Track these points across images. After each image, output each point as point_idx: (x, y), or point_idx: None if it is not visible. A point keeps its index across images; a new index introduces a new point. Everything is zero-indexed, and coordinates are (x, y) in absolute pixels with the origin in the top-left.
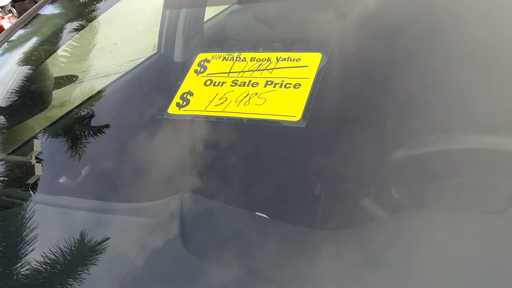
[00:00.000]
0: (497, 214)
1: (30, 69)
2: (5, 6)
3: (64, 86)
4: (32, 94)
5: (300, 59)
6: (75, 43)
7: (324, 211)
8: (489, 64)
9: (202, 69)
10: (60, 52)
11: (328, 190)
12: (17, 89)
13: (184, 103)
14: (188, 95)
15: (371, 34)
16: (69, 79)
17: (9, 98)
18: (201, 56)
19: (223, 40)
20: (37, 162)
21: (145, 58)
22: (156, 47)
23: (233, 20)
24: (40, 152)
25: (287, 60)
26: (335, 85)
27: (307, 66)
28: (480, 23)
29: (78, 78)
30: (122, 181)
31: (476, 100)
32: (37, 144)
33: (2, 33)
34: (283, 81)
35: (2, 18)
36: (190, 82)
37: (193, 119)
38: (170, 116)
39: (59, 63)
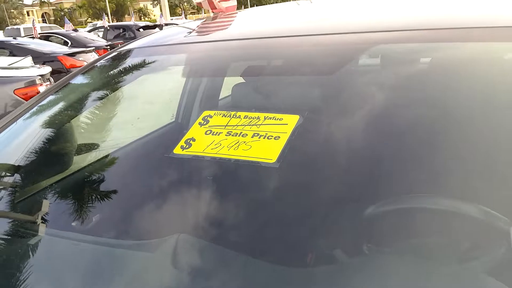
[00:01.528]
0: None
1: (53, 133)
2: (44, 74)
3: (84, 153)
4: (52, 156)
5: (282, 119)
6: (99, 114)
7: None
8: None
9: (205, 122)
10: (84, 120)
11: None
12: (38, 150)
13: (187, 146)
14: (191, 141)
15: (336, 105)
16: (91, 147)
17: (28, 157)
18: (205, 113)
19: (228, 105)
20: (42, 222)
21: (163, 125)
22: (174, 117)
23: (237, 90)
24: (46, 213)
25: (272, 119)
26: (306, 139)
27: (287, 124)
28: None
29: (99, 146)
30: (124, 218)
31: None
32: (46, 205)
33: (34, 97)
34: (266, 133)
35: (41, 85)
36: (194, 131)
37: (192, 158)
38: (174, 155)
39: (82, 130)
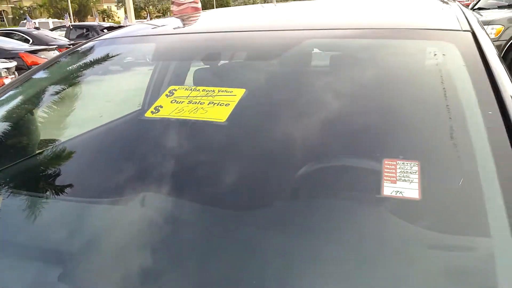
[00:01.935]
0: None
1: (12, 124)
2: (10, 68)
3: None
4: (13, 144)
5: (232, 91)
6: (61, 109)
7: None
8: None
9: (170, 94)
10: (45, 114)
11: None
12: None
13: (156, 111)
14: (159, 107)
15: (273, 83)
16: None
17: None
18: (171, 87)
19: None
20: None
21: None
22: (141, 104)
23: (197, 73)
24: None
25: (224, 92)
26: (248, 106)
27: (235, 95)
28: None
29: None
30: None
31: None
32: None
33: None
34: (219, 102)
35: (6, 77)
36: (162, 101)
37: (159, 119)
38: (146, 118)
39: (43, 123)
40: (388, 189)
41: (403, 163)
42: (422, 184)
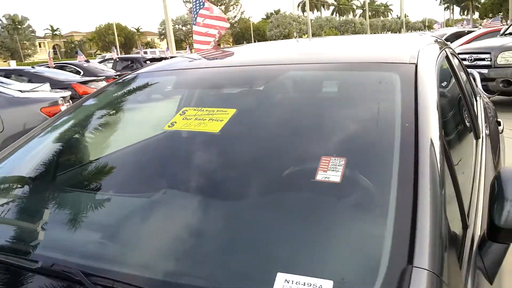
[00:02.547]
0: None
1: (61, 146)
2: (65, 97)
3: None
4: (69, 155)
5: (226, 111)
6: (105, 130)
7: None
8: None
9: (182, 114)
10: (92, 134)
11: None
12: (54, 153)
13: (171, 126)
14: (174, 123)
15: (257, 105)
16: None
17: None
18: (184, 109)
19: None
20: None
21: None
22: None
23: (205, 98)
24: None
25: (221, 111)
26: (236, 121)
27: (228, 113)
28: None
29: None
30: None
31: None
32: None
33: (55, 115)
34: (216, 118)
35: (62, 105)
36: (176, 118)
37: (173, 131)
38: (164, 130)
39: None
40: (320, 176)
41: (334, 158)
42: (344, 172)
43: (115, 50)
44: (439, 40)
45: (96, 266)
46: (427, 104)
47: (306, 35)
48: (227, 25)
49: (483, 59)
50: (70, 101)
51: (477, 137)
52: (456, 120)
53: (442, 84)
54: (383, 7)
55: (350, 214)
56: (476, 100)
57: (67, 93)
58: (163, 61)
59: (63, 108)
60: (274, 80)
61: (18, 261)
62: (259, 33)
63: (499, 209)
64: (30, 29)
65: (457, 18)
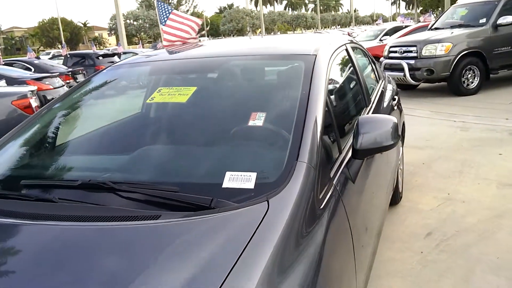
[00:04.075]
0: None
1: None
2: (33, 90)
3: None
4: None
5: (189, 88)
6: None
7: None
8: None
9: (159, 91)
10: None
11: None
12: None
13: (151, 99)
14: (153, 98)
15: (209, 85)
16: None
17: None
18: (159, 88)
19: None
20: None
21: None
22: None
23: (174, 81)
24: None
25: (186, 89)
26: (196, 94)
27: (190, 90)
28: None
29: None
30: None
31: None
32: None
33: (43, 107)
34: (183, 93)
35: (31, 98)
36: (155, 95)
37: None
38: (147, 103)
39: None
40: (251, 122)
41: (259, 113)
42: (264, 120)
43: (65, 46)
44: (345, 38)
45: (116, 180)
46: (319, 81)
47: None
48: (199, 21)
49: (411, 51)
50: (36, 95)
51: (366, 105)
52: (345, 91)
53: (340, 68)
54: (333, 2)
55: (267, 139)
56: (378, 82)
57: (34, 87)
58: (136, 56)
59: (32, 101)
60: (221, 66)
61: (67, 182)
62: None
63: (356, 139)
64: None
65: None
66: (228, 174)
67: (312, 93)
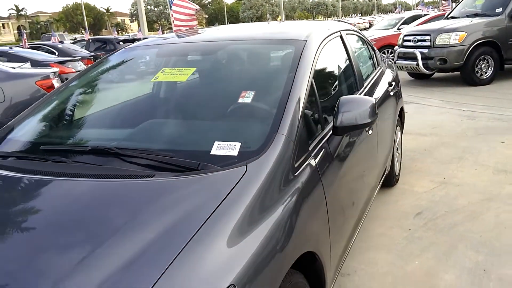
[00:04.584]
0: None
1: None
2: (55, 72)
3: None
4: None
5: (189, 69)
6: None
7: None
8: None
9: (163, 71)
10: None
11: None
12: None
13: (155, 78)
14: (157, 77)
15: (208, 66)
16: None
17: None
18: (163, 68)
19: None
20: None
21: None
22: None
23: (177, 62)
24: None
25: (186, 70)
26: (195, 74)
27: (190, 70)
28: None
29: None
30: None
31: None
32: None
33: (60, 86)
34: (183, 73)
35: (53, 79)
36: (159, 74)
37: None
38: (152, 82)
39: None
40: (240, 100)
41: (249, 91)
42: (252, 98)
43: (87, 32)
44: (341, 26)
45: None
46: (307, 64)
47: (279, 17)
48: (195, 7)
49: (425, 40)
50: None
51: (357, 89)
52: (335, 75)
53: (331, 53)
54: None
55: (253, 114)
56: (375, 68)
57: (56, 69)
58: (145, 39)
59: (54, 81)
60: (219, 50)
61: (79, 148)
62: (233, 14)
63: (336, 117)
64: None
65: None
66: (216, 143)
67: (298, 75)
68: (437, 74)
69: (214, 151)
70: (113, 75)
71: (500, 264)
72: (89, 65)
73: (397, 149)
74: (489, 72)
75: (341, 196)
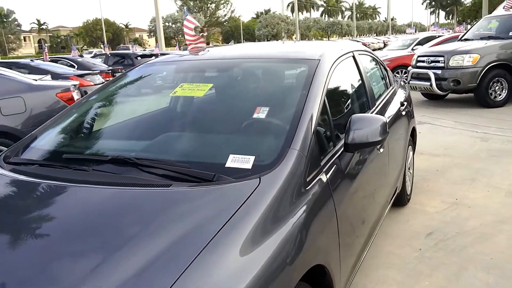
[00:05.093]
0: None
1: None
2: (76, 85)
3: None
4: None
5: (206, 85)
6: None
7: None
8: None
9: (181, 86)
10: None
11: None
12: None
13: (174, 93)
14: (175, 92)
15: (223, 83)
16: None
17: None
18: (181, 84)
19: None
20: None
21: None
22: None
23: (194, 78)
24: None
25: (203, 85)
26: (212, 90)
27: (207, 86)
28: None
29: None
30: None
31: None
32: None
33: (82, 98)
34: (201, 89)
35: (73, 91)
36: (177, 89)
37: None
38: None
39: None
40: (255, 115)
41: (263, 107)
42: (267, 114)
43: (107, 45)
44: (354, 46)
45: (141, 157)
46: (320, 83)
47: (294, 36)
48: (194, 23)
49: (438, 61)
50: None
51: (369, 107)
52: (347, 93)
53: (344, 73)
54: (371, 10)
55: (267, 129)
56: (387, 88)
57: (76, 82)
58: (163, 56)
59: (74, 94)
60: (235, 67)
61: (99, 157)
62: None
63: (347, 134)
64: (16, 22)
65: (443, 22)
66: (231, 156)
67: (311, 92)
68: (450, 95)
69: (229, 163)
70: (132, 89)
71: (511, 287)
72: (109, 79)
73: (408, 169)
74: (503, 94)
75: (351, 211)
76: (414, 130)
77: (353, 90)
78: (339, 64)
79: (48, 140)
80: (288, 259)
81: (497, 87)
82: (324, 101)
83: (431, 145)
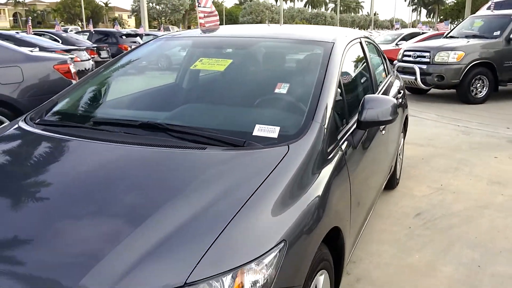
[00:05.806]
0: None
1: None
2: (73, 57)
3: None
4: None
5: (226, 60)
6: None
7: None
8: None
9: (200, 61)
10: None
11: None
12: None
13: (194, 67)
14: (195, 65)
15: (243, 59)
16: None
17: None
18: (201, 58)
19: None
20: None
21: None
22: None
23: (213, 54)
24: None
25: (223, 60)
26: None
27: (228, 61)
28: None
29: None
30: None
31: None
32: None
33: (96, 69)
34: (221, 64)
35: (70, 64)
36: (197, 63)
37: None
38: (191, 69)
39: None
40: (276, 90)
41: (284, 83)
42: (288, 90)
43: (91, 22)
44: (361, 33)
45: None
46: (335, 64)
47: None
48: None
49: (424, 57)
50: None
51: (373, 92)
52: (356, 76)
53: (353, 57)
54: (354, 3)
55: (289, 103)
56: (387, 74)
57: (73, 56)
58: (180, 32)
59: (71, 67)
60: (254, 45)
61: (128, 122)
62: (231, 19)
63: (361, 112)
64: None
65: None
66: (257, 126)
67: (328, 72)
68: (432, 90)
69: (256, 132)
70: (150, 60)
71: (494, 262)
72: (94, 56)
73: (399, 154)
74: (484, 91)
75: (360, 181)
76: (406, 118)
77: (361, 73)
78: (350, 48)
79: (73, 104)
80: (313, 221)
81: (478, 85)
82: (340, 81)
83: (415, 136)
